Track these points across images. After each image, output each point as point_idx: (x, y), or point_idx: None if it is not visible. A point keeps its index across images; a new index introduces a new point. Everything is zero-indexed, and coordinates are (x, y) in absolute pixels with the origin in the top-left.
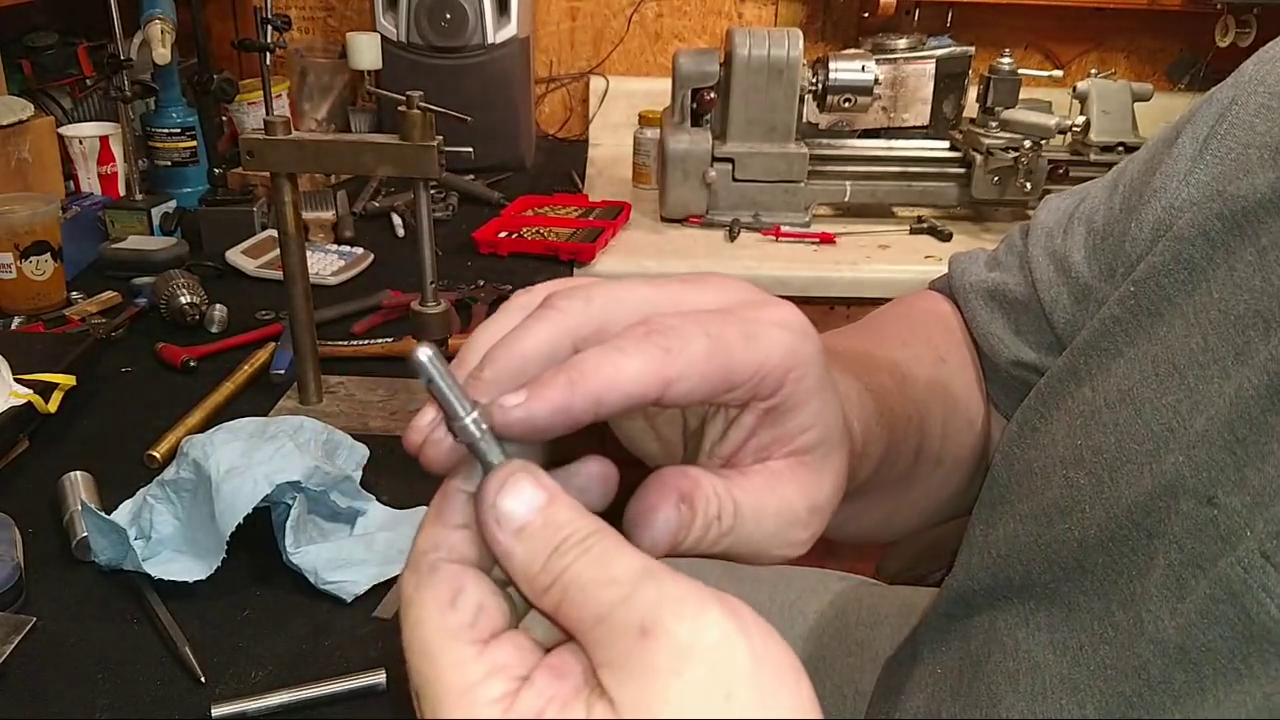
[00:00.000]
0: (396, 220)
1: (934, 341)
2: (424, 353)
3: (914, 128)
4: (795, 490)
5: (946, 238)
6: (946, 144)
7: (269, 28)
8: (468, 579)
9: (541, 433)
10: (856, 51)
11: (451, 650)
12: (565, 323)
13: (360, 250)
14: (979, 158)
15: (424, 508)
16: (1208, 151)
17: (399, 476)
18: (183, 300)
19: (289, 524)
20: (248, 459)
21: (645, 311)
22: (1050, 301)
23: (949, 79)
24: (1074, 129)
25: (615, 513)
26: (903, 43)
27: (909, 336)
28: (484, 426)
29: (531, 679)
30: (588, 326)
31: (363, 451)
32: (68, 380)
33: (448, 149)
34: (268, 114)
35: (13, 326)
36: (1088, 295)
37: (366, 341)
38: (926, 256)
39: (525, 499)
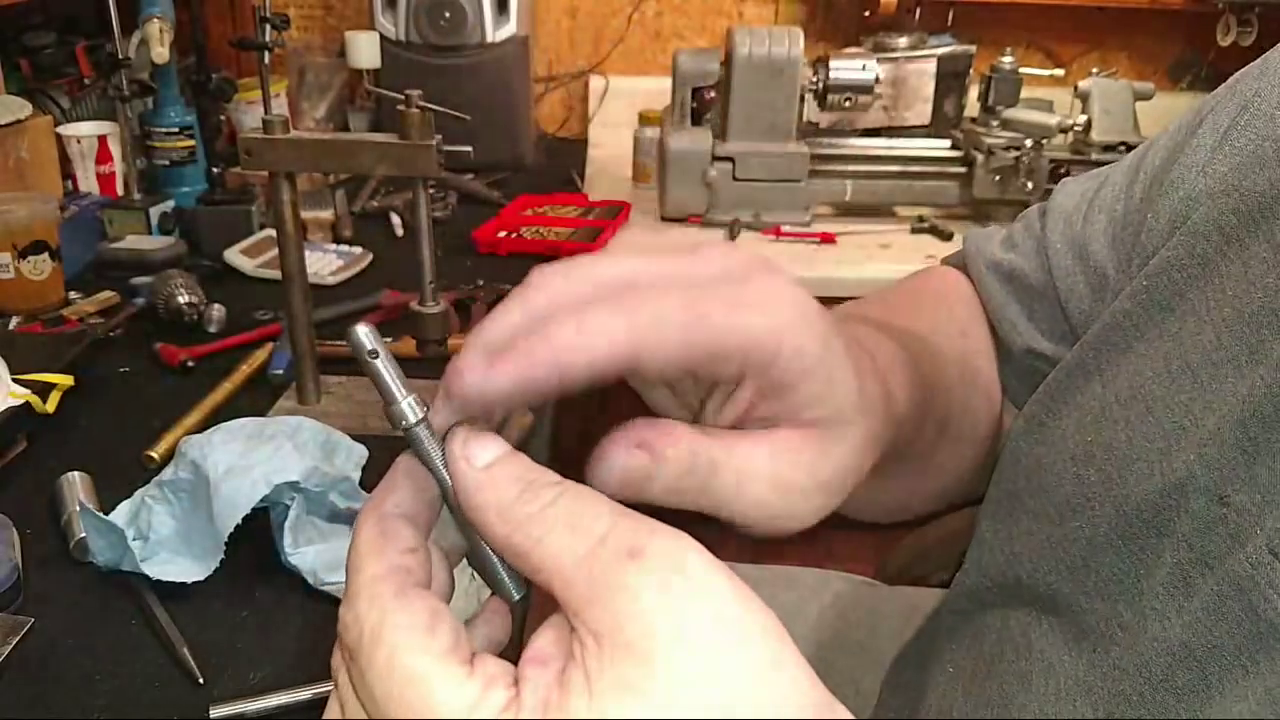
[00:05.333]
0: (395, 220)
1: (955, 315)
2: (362, 329)
3: (915, 127)
4: (794, 460)
5: (948, 237)
6: (948, 143)
7: (267, 26)
8: (439, 603)
9: (504, 403)
10: (857, 50)
11: (445, 672)
12: (539, 299)
13: (359, 250)
14: (980, 157)
15: None
16: (1227, 143)
17: None
18: (181, 300)
19: (287, 525)
20: (246, 459)
21: (627, 282)
22: (1067, 291)
23: (950, 78)
24: (1075, 128)
25: None
26: (904, 41)
27: (932, 310)
28: (421, 413)
29: (524, 675)
30: (565, 302)
31: (361, 452)
32: (66, 380)
33: (446, 148)
34: (266, 113)
35: (11, 326)
36: (1105, 286)
37: None
38: (928, 256)
39: (496, 442)
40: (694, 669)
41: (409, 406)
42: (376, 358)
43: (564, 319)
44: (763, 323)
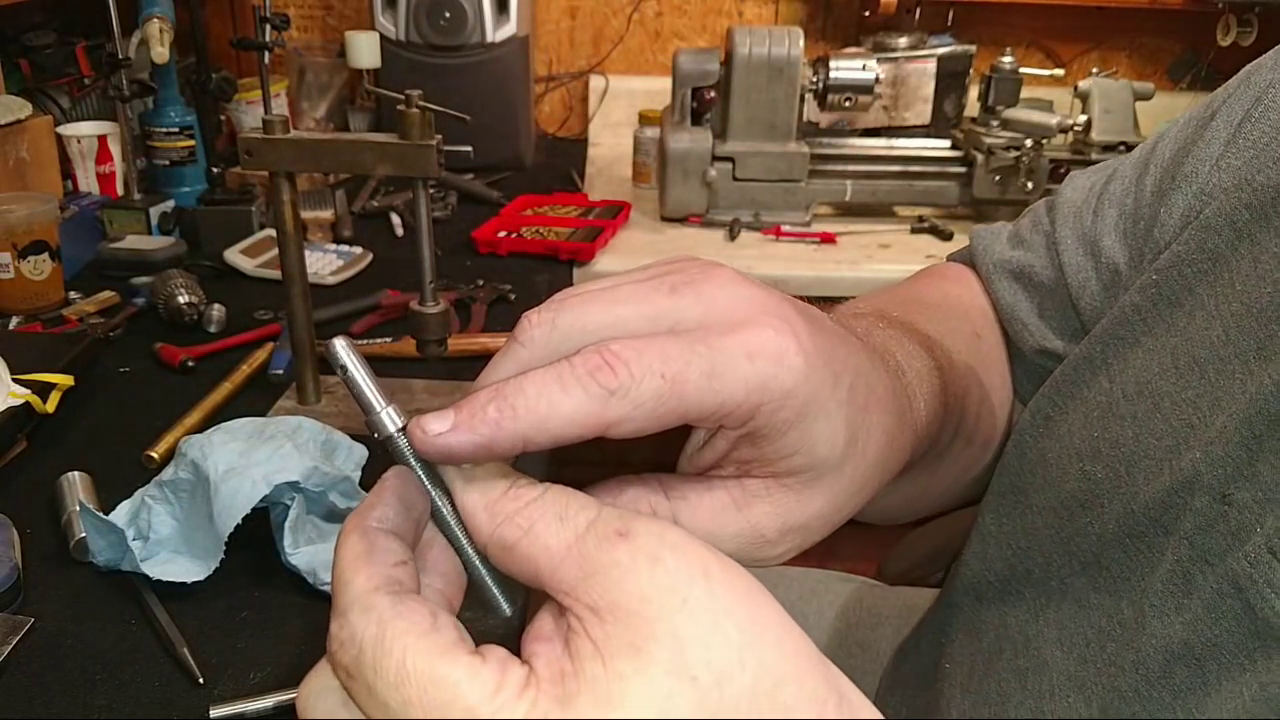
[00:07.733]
0: (395, 219)
1: (970, 317)
2: (339, 342)
3: (915, 127)
4: (768, 512)
5: (948, 237)
6: (948, 143)
7: (267, 26)
8: (436, 605)
9: (464, 461)
10: (857, 50)
11: (460, 665)
12: (525, 356)
13: (359, 250)
14: (980, 157)
15: None
16: (1240, 136)
17: None
18: (181, 300)
19: (287, 524)
20: (246, 459)
21: (611, 335)
22: (1078, 287)
23: (950, 78)
24: (1075, 128)
25: None
26: (904, 41)
27: (948, 310)
28: (400, 423)
29: (533, 651)
30: (547, 360)
31: (361, 452)
32: (66, 380)
33: (447, 148)
34: (266, 113)
35: (11, 326)
36: (1118, 281)
37: (365, 341)
38: (928, 256)
39: None
40: (695, 631)
41: (388, 416)
42: (351, 371)
43: (536, 391)
44: (740, 387)
